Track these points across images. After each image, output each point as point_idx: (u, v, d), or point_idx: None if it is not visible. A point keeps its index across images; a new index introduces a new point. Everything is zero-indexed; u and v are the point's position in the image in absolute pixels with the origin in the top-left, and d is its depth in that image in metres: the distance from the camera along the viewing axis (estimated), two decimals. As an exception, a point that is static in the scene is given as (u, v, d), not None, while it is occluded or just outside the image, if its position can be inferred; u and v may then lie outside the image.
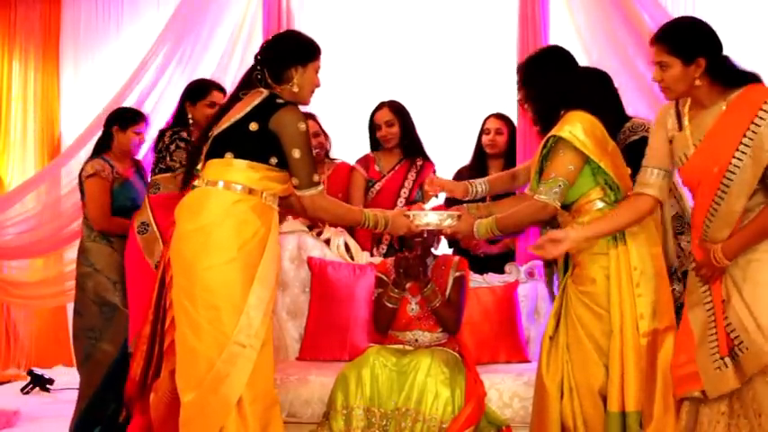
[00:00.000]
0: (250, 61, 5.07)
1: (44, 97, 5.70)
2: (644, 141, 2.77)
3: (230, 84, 4.89)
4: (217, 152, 2.62)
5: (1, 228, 5.14)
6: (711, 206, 2.44)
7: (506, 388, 3.16)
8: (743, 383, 2.38)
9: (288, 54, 2.70)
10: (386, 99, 4.17)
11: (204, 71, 4.85)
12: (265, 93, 2.66)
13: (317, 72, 2.75)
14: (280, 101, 2.62)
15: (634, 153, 2.83)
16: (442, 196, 3.75)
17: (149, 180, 3.72)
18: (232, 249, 2.50)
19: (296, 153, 2.57)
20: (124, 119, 3.88)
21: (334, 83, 5.02)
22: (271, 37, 2.91)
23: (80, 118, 5.44)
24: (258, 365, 2.49)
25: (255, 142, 2.58)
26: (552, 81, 2.74)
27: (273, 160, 2.60)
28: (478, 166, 4.10)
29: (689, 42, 2.45)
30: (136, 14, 5.61)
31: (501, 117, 4.11)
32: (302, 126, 2.58)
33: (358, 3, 5.30)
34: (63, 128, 5.72)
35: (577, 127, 2.61)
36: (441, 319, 3.17)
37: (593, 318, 2.59)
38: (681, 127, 2.56)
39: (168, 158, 3.57)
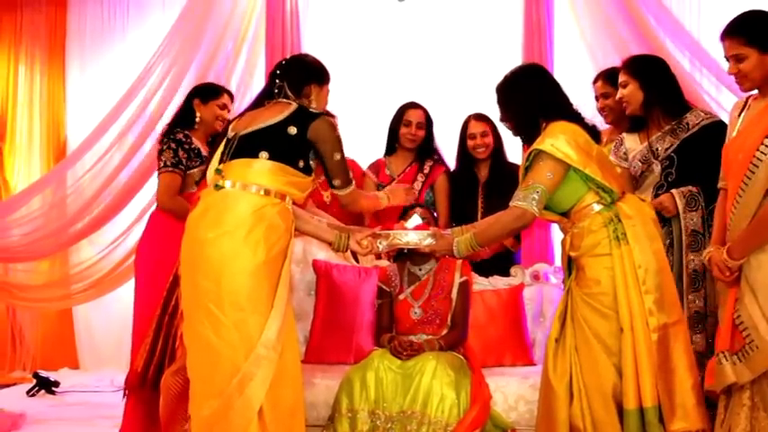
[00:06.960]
0: (255, 63, 5.16)
1: (50, 100, 5.71)
2: None
3: (235, 85, 4.93)
4: (247, 151, 2.67)
5: (7, 229, 5.15)
6: (738, 193, 2.49)
7: (512, 391, 3.15)
8: (754, 379, 2.41)
9: (308, 71, 2.87)
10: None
11: (209, 73, 4.86)
12: (295, 104, 2.76)
13: (327, 95, 2.95)
14: (313, 111, 2.76)
15: None
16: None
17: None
18: (262, 253, 2.54)
19: (337, 156, 2.76)
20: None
21: (337, 85, 5.05)
22: (289, 56, 3.10)
23: (86, 121, 5.45)
24: (278, 371, 2.51)
25: (292, 144, 2.68)
26: (529, 97, 2.76)
27: (301, 163, 2.70)
28: (467, 171, 4.06)
29: (765, 31, 2.53)
30: (141, 18, 5.63)
31: (482, 118, 4.04)
32: (338, 133, 2.79)
33: (362, 7, 5.30)
34: (69, 131, 5.73)
35: (559, 138, 2.62)
36: (451, 347, 3.20)
37: (599, 318, 2.59)
38: (740, 114, 2.63)
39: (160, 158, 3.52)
